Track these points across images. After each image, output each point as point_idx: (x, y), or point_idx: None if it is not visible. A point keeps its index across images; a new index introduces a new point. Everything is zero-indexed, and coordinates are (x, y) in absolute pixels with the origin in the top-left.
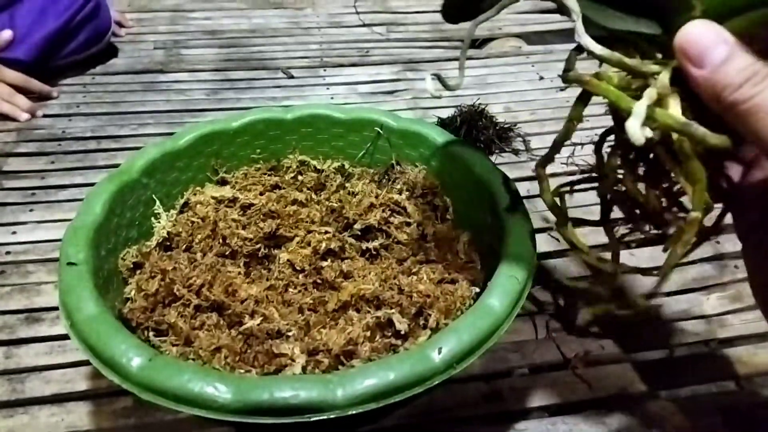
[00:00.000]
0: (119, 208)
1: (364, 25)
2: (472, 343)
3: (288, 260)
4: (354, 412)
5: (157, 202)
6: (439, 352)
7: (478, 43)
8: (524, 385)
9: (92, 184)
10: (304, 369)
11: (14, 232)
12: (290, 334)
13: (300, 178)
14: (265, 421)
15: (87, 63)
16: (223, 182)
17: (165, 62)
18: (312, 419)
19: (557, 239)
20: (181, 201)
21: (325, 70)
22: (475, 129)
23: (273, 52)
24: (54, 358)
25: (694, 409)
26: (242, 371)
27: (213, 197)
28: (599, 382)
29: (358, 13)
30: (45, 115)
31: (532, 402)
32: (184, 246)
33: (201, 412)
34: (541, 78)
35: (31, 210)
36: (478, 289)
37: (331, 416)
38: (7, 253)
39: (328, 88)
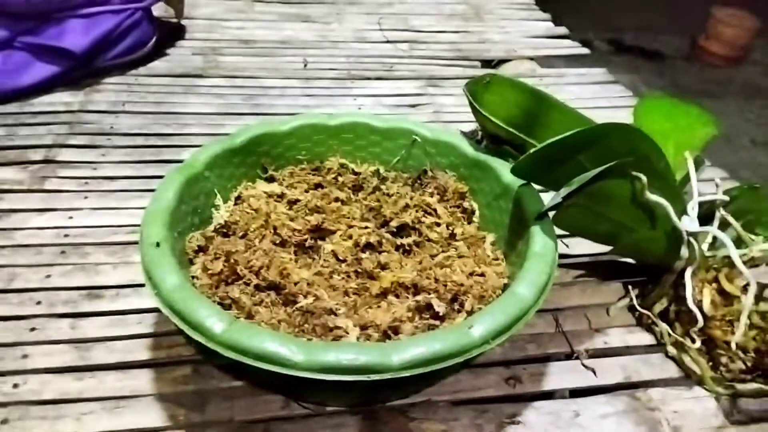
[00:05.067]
0: (186, 196)
1: (387, 42)
2: (504, 323)
3: (332, 250)
4: (406, 374)
5: (218, 194)
6: (477, 330)
7: (494, 64)
8: (540, 371)
9: (142, 177)
10: (357, 341)
11: (71, 217)
12: (340, 312)
13: (340, 178)
14: (330, 378)
15: (129, 66)
16: (271, 179)
17: (203, 67)
18: (371, 378)
19: (566, 245)
20: (235, 194)
21: (352, 82)
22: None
23: (303, 63)
24: (115, 330)
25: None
26: (306, 339)
27: (264, 192)
28: (605, 371)
29: (382, 30)
30: (92, 111)
31: (547, 385)
32: (240, 233)
33: (276, 369)
34: None
35: (85, 197)
36: (506, 281)
37: (387, 377)
38: (66, 235)
39: (355, 99)
